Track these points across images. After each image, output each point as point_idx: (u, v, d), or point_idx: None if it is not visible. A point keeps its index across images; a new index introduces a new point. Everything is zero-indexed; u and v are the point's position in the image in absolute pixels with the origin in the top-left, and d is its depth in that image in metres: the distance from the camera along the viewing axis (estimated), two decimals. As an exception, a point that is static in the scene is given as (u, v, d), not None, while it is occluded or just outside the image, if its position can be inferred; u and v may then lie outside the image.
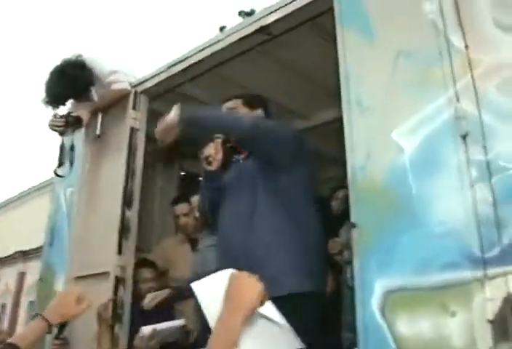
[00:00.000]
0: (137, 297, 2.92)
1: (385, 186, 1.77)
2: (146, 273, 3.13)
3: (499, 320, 1.38)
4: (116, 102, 3.21)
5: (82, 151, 3.31)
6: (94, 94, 3.24)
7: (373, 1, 2.05)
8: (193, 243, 3.23)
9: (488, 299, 1.41)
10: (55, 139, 3.31)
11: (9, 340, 1.58)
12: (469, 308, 1.44)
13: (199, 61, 2.87)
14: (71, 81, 3.08)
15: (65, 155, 3.24)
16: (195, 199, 3.10)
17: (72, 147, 3.22)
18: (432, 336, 1.49)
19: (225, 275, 1.29)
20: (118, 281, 2.76)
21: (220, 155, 2.38)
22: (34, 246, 13.67)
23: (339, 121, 2.06)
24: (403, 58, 1.87)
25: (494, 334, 1.37)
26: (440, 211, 1.59)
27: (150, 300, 2.83)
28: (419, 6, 1.86)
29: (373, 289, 1.65)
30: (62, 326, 1.78)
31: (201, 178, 2.55)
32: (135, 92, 3.17)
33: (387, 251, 1.68)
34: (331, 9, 2.21)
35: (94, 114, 3.23)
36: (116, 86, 3.15)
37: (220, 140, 2.39)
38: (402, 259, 1.63)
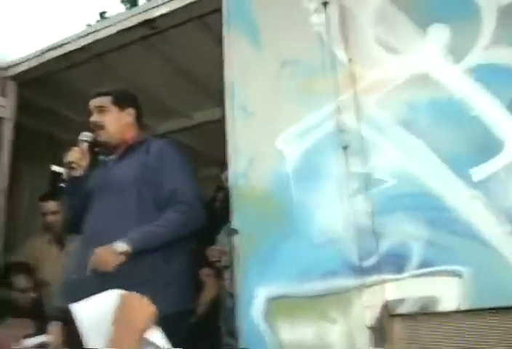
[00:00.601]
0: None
1: (267, 193, 1.79)
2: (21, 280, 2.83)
3: (378, 326, 1.46)
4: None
5: None
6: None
7: (262, 6, 2.05)
8: (61, 243, 3.02)
9: (366, 307, 1.49)
10: None
11: None
12: (348, 315, 1.51)
13: (78, 49, 2.70)
14: None
15: None
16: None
17: None
18: (314, 342, 1.54)
19: (109, 297, 1.22)
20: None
21: (85, 161, 2.11)
22: None
23: (220, 121, 2.04)
24: (288, 66, 1.90)
25: (372, 339, 1.46)
26: (321, 221, 1.64)
27: None
28: (306, 17, 1.90)
29: (254, 296, 1.67)
30: None
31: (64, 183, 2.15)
32: (3, 77, 2.90)
33: (268, 258, 1.70)
34: (219, 10, 2.18)
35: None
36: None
37: (86, 145, 2.12)
38: (283, 267, 1.66)
